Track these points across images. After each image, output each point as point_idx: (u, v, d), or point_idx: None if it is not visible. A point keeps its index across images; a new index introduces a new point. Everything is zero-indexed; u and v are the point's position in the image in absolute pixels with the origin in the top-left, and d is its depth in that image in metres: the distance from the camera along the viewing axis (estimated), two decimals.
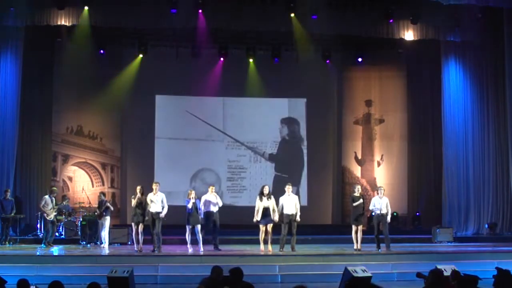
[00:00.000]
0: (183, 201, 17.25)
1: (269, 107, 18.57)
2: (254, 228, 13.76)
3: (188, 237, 12.73)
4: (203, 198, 12.93)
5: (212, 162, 18.20)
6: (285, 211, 12.63)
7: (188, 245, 12.67)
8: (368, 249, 12.92)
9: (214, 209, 12.88)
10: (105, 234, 13.80)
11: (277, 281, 10.97)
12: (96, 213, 14.17)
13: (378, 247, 12.98)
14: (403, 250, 13.20)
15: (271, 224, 12.67)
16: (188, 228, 12.71)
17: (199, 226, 12.68)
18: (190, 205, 12.61)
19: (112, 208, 14.11)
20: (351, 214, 13.30)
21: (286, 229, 12.60)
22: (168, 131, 18.12)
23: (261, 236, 12.76)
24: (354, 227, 13.03)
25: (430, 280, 5.41)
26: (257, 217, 12.64)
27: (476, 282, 5.61)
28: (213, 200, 12.90)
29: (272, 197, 12.72)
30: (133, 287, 9.17)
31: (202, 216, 12.81)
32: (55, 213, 14.01)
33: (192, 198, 12.66)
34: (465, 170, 16.68)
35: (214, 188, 13.32)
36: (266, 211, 12.60)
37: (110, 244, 13.92)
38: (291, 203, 12.67)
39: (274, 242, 12.79)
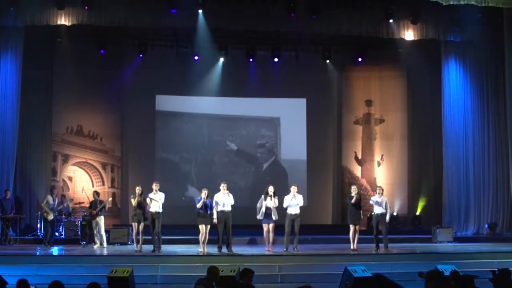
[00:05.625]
0: (182, 201, 17.32)
1: (269, 107, 18.58)
2: (253, 228, 13.79)
3: (201, 238, 12.47)
4: (215, 197, 12.66)
5: (212, 162, 18.22)
6: (288, 211, 12.71)
7: (201, 245, 12.41)
8: (367, 249, 12.94)
9: (226, 208, 12.58)
10: (102, 233, 13.82)
11: (277, 281, 10.98)
12: (92, 213, 14.00)
13: (377, 247, 13.00)
14: (403, 250, 13.20)
15: (273, 224, 12.70)
16: (201, 228, 12.44)
17: (208, 227, 12.51)
18: (199, 205, 12.38)
19: (106, 208, 14.12)
20: (348, 213, 13.33)
21: (288, 229, 12.66)
22: (168, 130, 18.16)
23: (265, 236, 12.79)
24: (352, 227, 13.06)
25: (430, 284, 5.42)
26: (260, 216, 12.67)
27: (472, 282, 5.62)
28: (225, 199, 12.61)
29: (276, 197, 12.71)
30: (133, 287, 9.18)
31: (215, 215, 12.50)
32: (55, 213, 14.04)
33: (204, 197, 12.43)
34: (465, 170, 16.67)
35: (226, 185, 12.83)
36: (268, 211, 12.62)
37: (109, 244, 13.96)
38: (295, 203, 12.70)
39: (277, 242, 12.81)
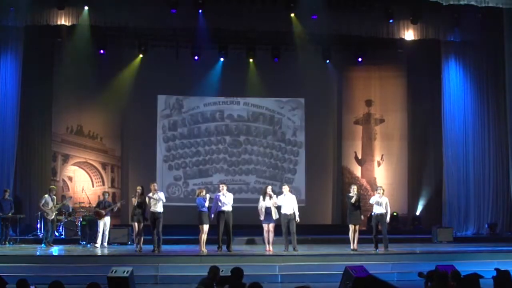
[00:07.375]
0: (182, 201, 17.31)
1: (269, 107, 18.57)
2: (253, 228, 13.78)
3: (201, 237, 12.46)
4: (215, 197, 12.73)
5: (212, 162, 18.22)
6: (283, 211, 12.71)
7: (202, 246, 12.44)
8: (367, 249, 12.94)
9: (226, 208, 12.61)
10: (106, 234, 13.88)
11: (277, 281, 10.98)
12: (99, 212, 13.95)
13: (376, 247, 12.98)
14: (403, 250, 13.20)
15: (273, 224, 12.71)
16: (201, 228, 12.45)
17: (208, 226, 12.53)
18: (206, 204, 12.41)
19: (114, 210, 14.41)
20: (348, 213, 13.33)
21: (285, 229, 12.66)
22: (168, 130, 18.16)
23: (266, 236, 12.80)
24: (351, 227, 13.06)
25: (430, 284, 5.42)
26: (261, 217, 12.68)
27: (477, 281, 5.62)
28: (224, 199, 12.65)
29: (274, 196, 12.73)
30: (133, 287, 9.18)
31: (212, 216, 12.55)
32: (55, 213, 14.03)
33: (204, 197, 12.48)
34: (465, 170, 16.69)
35: (225, 186, 12.96)
36: (268, 210, 12.64)
37: (109, 244, 14.00)
38: (288, 203, 12.72)
39: (277, 242, 12.82)
